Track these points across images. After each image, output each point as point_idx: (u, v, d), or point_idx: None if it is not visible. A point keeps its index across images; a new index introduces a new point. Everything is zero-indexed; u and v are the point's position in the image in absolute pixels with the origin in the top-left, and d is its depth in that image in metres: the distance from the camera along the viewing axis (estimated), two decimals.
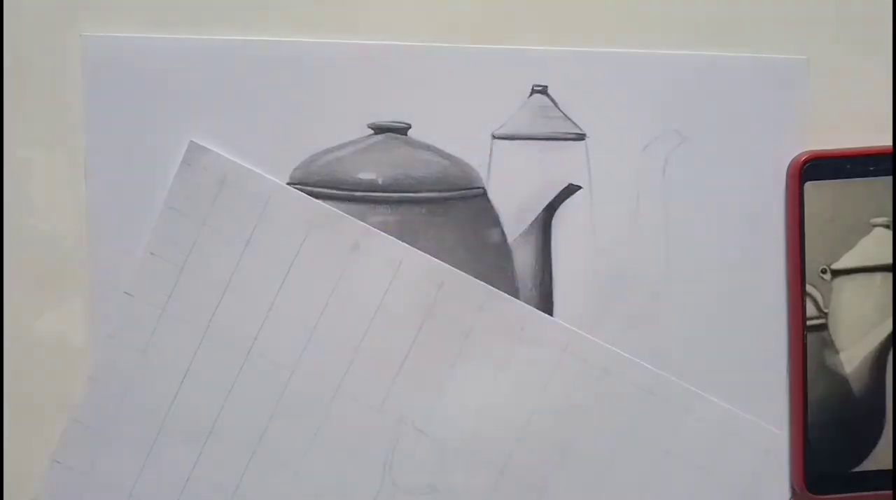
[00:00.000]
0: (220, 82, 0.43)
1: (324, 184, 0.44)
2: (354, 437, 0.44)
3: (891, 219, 0.44)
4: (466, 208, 0.44)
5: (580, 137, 0.44)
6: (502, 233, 0.44)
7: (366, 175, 0.44)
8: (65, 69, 0.43)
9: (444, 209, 0.44)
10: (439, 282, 0.43)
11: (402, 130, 0.44)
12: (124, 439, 0.43)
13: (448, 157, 0.44)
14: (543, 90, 0.44)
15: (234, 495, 0.43)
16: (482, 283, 0.44)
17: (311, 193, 0.44)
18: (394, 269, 0.43)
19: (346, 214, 0.43)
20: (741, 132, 0.44)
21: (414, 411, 0.44)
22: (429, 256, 0.43)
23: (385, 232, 0.43)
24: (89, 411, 0.43)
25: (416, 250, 0.43)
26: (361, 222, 0.43)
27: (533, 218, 0.44)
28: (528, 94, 0.44)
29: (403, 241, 0.44)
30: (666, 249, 0.44)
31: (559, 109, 0.44)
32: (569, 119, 0.44)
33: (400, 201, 0.44)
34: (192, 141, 0.43)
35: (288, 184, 0.44)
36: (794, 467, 0.44)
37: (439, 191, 0.44)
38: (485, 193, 0.44)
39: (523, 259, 0.44)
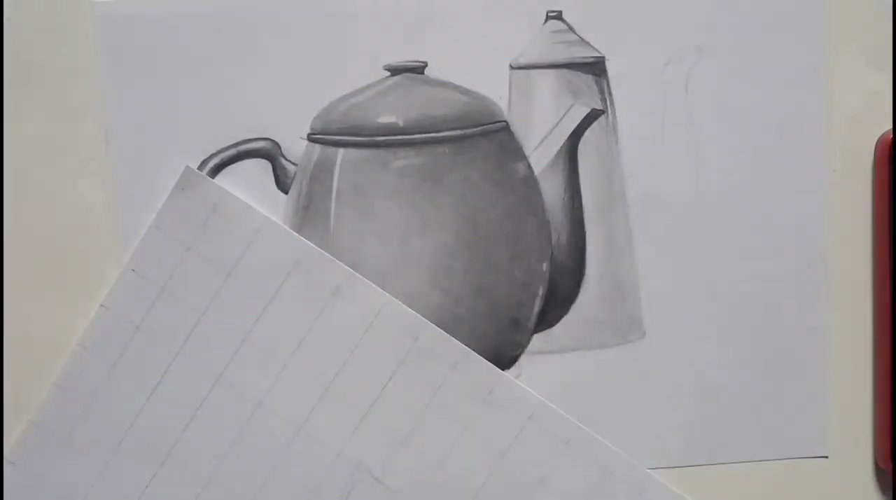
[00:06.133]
0: (233, 37, 0.42)
1: (345, 132, 0.43)
2: (311, 478, 0.44)
3: None
4: (490, 144, 0.43)
5: (599, 59, 0.43)
6: (528, 166, 0.44)
7: (386, 119, 0.43)
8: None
9: (467, 147, 0.43)
10: (415, 335, 0.43)
11: (418, 69, 0.43)
12: (82, 449, 0.43)
13: (467, 92, 0.43)
14: (558, 15, 0.43)
15: None
16: (458, 342, 0.43)
17: (333, 142, 0.43)
18: (372, 317, 0.43)
19: (332, 257, 0.43)
20: (761, 42, 0.43)
21: (373, 459, 0.44)
22: (408, 308, 0.43)
23: (410, 175, 0.43)
24: (50, 416, 0.43)
25: (396, 300, 0.43)
26: (346, 267, 0.43)
27: (558, 148, 0.44)
28: (543, 20, 0.43)
29: (429, 182, 0.43)
30: (695, 167, 0.44)
31: (575, 33, 0.43)
32: (586, 43, 0.43)
33: (423, 143, 0.43)
34: (187, 166, 0.43)
35: (309, 135, 0.43)
36: (880, 444, 0.44)
37: (461, 128, 0.43)
38: (507, 127, 0.44)
39: (552, 190, 0.44)
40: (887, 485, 0.45)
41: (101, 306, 0.43)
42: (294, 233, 0.43)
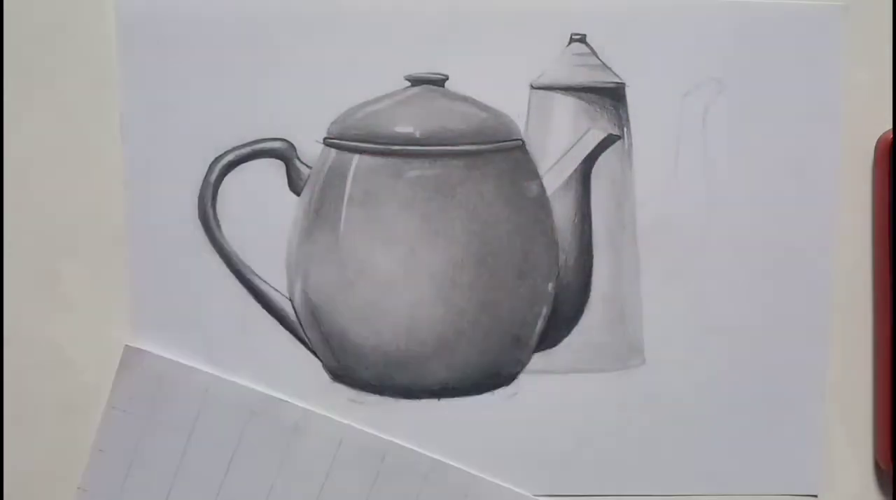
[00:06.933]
0: (255, 37, 0.43)
1: (361, 138, 0.43)
2: None
3: None
4: (505, 161, 0.44)
5: (619, 85, 0.44)
6: (541, 186, 0.44)
7: (403, 128, 0.43)
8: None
9: (482, 162, 0.43)
10: (381, 454, 0.44)
11: (439, 81, 0.43)
12: None
13: (486, 108, 0.43)
14: (582, 39, 0.43)
15: None
16: (425, 453, 0.44)
17: (348, 148, 0.43)
18: (335, 447, 0.44)
19: (283, 399, 0.44)
20: (781, 80, 0.44)
21: None
22: (369, 430, 0.44)
23: (422, 186, 0.43)
24: None
25: (355, 426, 0.44)
26: (300, 405, 0.44)
27: (572, 170, 0.44)
28: (567, 42, 0.43)
29: (441, 195, 0.43)
30: (706, 199, 0.44)
31: (598, 57, 0.43)
32: (608, 68, 0.43)
33: (438, 155, 0.43)
34: (126, 345, 0.44)
35: (325, 139, 0.43)
36: (881, 443, 0.44)
37: (477, 143, 0.43)
38: (523, 145, 0.44)
39: (563, 212, 0.44)
40: (887, 485, 0.45)
41: (79, 488, 0.44)
42: (242, 384, 0.44)
